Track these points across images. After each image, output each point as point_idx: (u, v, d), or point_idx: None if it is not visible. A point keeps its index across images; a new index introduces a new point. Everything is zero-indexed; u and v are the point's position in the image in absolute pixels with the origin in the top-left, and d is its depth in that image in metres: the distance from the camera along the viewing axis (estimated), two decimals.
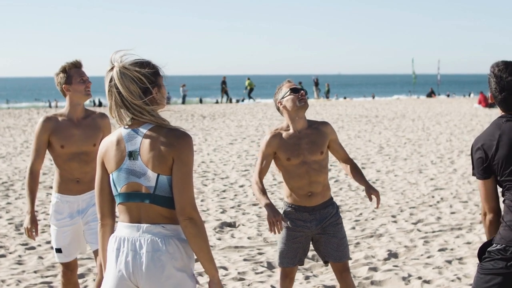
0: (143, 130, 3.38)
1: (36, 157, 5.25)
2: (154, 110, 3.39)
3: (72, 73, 5.21)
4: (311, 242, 5.31)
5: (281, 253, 5.24)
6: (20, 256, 8.02)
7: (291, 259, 5.21)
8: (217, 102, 46.27)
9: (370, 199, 5.26)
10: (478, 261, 3.94)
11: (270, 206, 4.91)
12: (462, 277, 6.92)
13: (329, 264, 5.40)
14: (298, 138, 5.14)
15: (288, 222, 5.16)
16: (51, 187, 12.04)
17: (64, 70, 5.22)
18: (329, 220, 5.19)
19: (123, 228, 3.42)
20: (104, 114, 5.41)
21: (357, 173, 5.32)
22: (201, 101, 50.39)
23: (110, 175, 3.44)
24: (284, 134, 5.17)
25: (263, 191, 5.06)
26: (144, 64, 3.42)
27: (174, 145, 3.33)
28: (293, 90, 5.16)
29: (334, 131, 5.28)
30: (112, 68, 3.40)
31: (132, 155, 3.38)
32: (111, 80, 3.39)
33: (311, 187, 5.13)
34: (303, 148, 5.12)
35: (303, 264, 5.39)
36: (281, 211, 5.21)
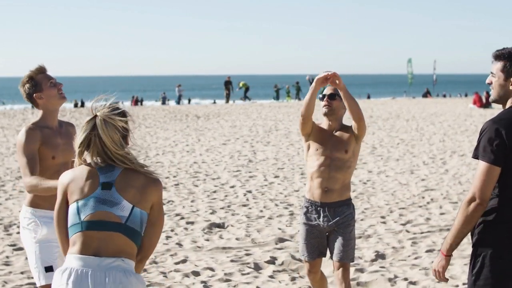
0: (119, 167, 3.45)
1: (35, 168, 4.61)
2: (134, 157, 3.47)
3: (40, 79, 4.77)
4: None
5: (301, 248, 5.63)
6: (7, 257, 8.01)
7: (310, 254, 5.58)
8: (214, 103, 46.37)
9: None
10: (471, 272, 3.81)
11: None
12: (448, 278, 6.90)
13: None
14: (330, 135, 5.55)
15: (305, 218, 5.55)
16: None
17: (30, 78, 4.77)
18: (341, 219, 5.46)
19: (78, 260, 3.36)
20: (72, 124, 5.09)
21: None
22: (189, 102, 50.67)
23: (73, 204, 3.42)
24: (320, 127, 5.63)
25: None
26: (123, 113, 3.49)
27: (155, 191, 3.47)
28: (320, 97, 5.66)
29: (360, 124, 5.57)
30: (94, 117, 3.43)
31: (106, 186, 3.41)
32: (93, 129, 3.42)
33: (328, 182, 5.46)
34: (329, 143, 5.51)
35: (324, 256, 5.66)
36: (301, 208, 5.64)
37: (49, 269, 4.74)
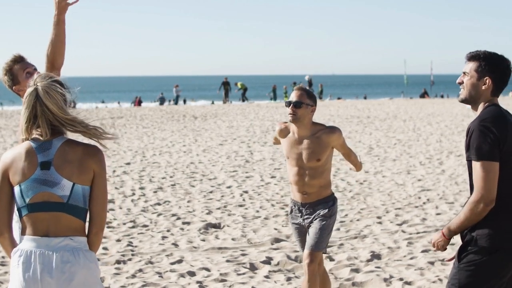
0: (57, 143, 3.44)
1: None
2: (82, 120, 3.47)
3: (16, 70, 4.68)
4: None
5: (297, 244, 5.87)
6: (3, 257, 8.01)
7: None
8: (213, 103, 46.45)
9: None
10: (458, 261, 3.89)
11: None
12: (443, 278, 6.92)
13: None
14: (299, 143, 5.56)
15: (290, 218, 5.79)
16: None
17: (7, 71, 4.68)
18: (317, 215, 5.56)
19: (29, 241, 3.42)
20: None
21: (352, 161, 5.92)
22: (184, 102, 50.80)
23: (17, 186, 3.43)
24: (291, 132, 5.62)
25: None
26: (61, 83, 3.48)
27: (96, 159, 3.45)
28: (286, 103, 5.62)
29: (339, 138, 5.56)
30: (35, 89, 3.42)
31: (45, 165, 3.40)
32: (36, 99, 3.40)
33: (304, 188, 5.60)
34: (300, 154, 5.54)
35: None
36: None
37: None
